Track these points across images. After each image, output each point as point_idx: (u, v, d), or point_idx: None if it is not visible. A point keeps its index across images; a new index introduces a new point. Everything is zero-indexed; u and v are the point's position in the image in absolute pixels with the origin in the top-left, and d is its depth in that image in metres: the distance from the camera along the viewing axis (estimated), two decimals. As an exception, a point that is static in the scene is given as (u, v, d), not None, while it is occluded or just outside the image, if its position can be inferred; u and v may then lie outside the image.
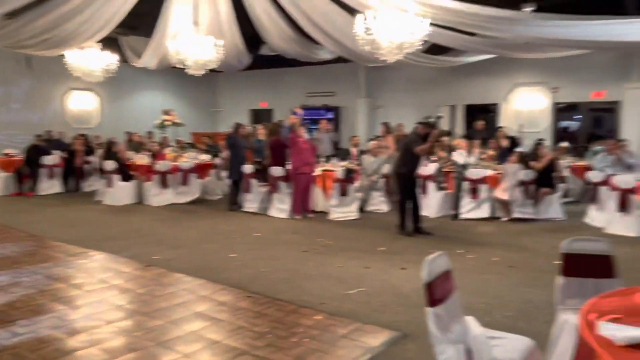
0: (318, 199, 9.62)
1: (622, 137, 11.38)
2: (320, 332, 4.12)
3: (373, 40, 7.25)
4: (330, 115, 16.21)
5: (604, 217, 8.22)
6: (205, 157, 12.02)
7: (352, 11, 8.34)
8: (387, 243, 7.24)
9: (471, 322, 2.68)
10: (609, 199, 8.09)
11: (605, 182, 8.40)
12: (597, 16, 7.64)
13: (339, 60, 12.46)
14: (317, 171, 9.49)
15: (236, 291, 5.13)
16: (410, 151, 7.58)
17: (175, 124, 13.61)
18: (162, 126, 13.55)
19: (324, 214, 9.32)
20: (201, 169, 11.38)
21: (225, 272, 5.81)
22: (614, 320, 2.13)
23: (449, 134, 10.28)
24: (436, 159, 9.57)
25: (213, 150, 12.84)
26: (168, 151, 11.95)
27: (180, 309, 4.64)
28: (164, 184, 10.64)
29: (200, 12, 9.99)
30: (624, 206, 7.72)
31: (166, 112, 13.58)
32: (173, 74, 15.74)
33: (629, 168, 9.16)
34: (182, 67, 10.30)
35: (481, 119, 12.12)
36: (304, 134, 9.30)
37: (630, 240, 7.12)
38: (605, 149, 10.01)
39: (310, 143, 9.44)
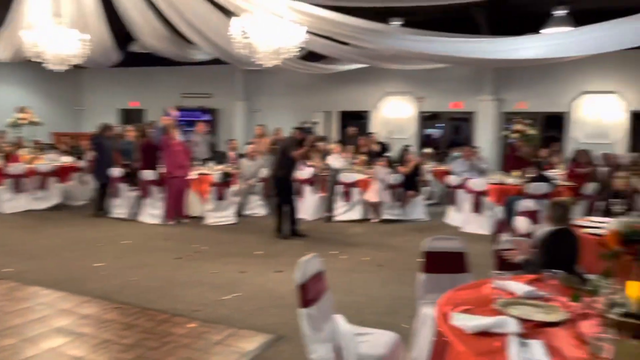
0: (193, 203, 9.35)
1: (476, 145, 12.59)
2: (194, 340, 4.01)
3: (250, 44, 7.24)
4: (206, 118, 15.86)
5: (461, 217, 9.01)
6: (67, 159, 11.10)
7: (228, 13, 8.26)
8: (264, 247, 7.26)
9: (340, 320, 2.79)
10: (465, 200, 8.89)
11: (462, 186, 9.21)
12: (455, 34, 8.37)
13: (216, 61, 12.23)
14: (193, 175, 9.23)
15: (102, 302, 4.81)
16: (287, 155, 7.70)
17: (31, 122, 12.39)
18: (15, 125, 12.26)
19: (199, 219, 9.09)
20: (62, 172, 10.48)
21: (89, 282, 5.41)
22: (466, 311, 2.35)
23: (323, 139, 10.61)
24: (312, 163, 9.81)
25: (76, 152, 11.91)
26: (23, 152, 10.84)
27: (37, 324, 4.24)
28: (17, 188, 9.64)
29: (62, 3, 9.21)
30: (477, 207, 8.54)
31: (21, 110, 12.32)
32: (31, 68, 14.28)
33: (481, 172, 10.15)
34: (40, 61, 9.40)
35: (354, 126, 12.68)
36: (177, 136, 9.00)
37: (482, 237, 7.86)
38: (462, 155, 10.97)
39: (184, 145, 9.15)
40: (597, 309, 2.28)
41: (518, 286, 2.67)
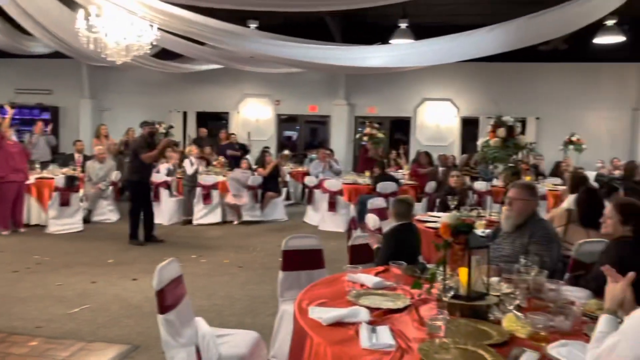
0: (33, 210, 8.48)
1: (331, 147, 13.20)
2: (37, 358, 3.67)
3: (97, 39, 6.77)
4: (46, 116, 14.46)
5: (318, 216, 9.37)
6: None
7: (72, 5, 7.63)
8: (117, 254, 6.85)
9: (200, 322, 2.77)
10: (322, 200, 9.28)
11: (318, 186, 9.59)
12: (310, 40, 8.69)
13: (57, 55, 11.18)
14: (31, 179, 8.37)
15: None
16: (139, 157, 7.36)
17: None
18: None
19: (40, 227, 8.27)
20: None
21: None
22: (322, 305, 2.48)
23: (176, 144, 10.30)
24: (168, 165, 9.48)
25: None
26: None
27: None
28: None
29: None
30: (333, 206, 8.96)
31: None
32: None
33: (336, 174, 10.66)
34: None
35: (212, 127, 12.56)
36: (11, 136, 8.11)
37: (338, 235, 8.28)
38: (318, 156, 11.41)
39: (20, 147, 8.27)
40: (433, 294, 2.57)
41: (368, 278, 2.89)
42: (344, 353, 2.01)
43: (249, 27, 10.86)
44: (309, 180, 10.03)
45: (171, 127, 11.27)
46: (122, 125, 12.10)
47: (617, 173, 9.97)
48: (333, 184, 9.13)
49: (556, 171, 10.62)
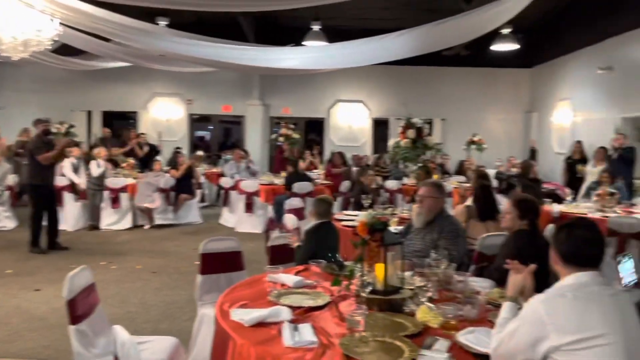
0: None
1: (246, 147, 13.10)
2: None
3: (-10, 32, 6.24)
4: None
5: (234, 218, 9.28)
6: None
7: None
8: (16, 264, 6.36)
9: (119, 330, 2.67)
10: (238, 201, 9.19)
11: (234, 187, 9.49)
12: (222, 40, 8.58)
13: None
14: None
15: None
16: (36, 159, 6.89)
17: None
18: None
19: None
20: None
21: None
22: (243, 306, 2.49)
23: (77, 144, 9.73)
24: (72, 160, 8.91)
25: None
26: None
27: None
28: None
29: None
30: (249, 207, 8.91)
31: None
32: None
33: (252, 174, 10.61)
34: None
35: (120, 127, 12.01)
36: None
37: (256, 236, 8.24)
38: (233, 157, 11.29)
39: None
40: (352, 290, 2.67)
41: (289, 278, 2.93)
42: (267, 352, 2.04)
43: (157, 24, 10.51)
44: (225, 182, 9.89)
45: (72, 126, 10.65)
46: (18, 125, 11.23)
47: (514, 171, 10.79)
48: (249, 184, 9.08)
49: (460, 170, 11.28)
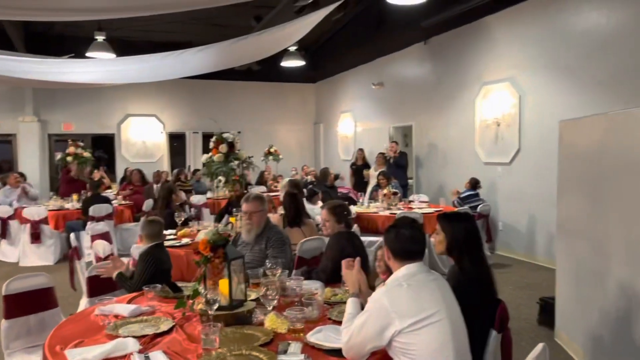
0: None
1: (21, 170, 11.52)
2: None
3: None
4: None
5: (17, 251, 8.11)
6: None
7: None
8: None
9: None
10: (20, 232, 8.06)
11: (14, 216, 8.29)
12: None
13: None
14: None
15: None
16: None
17: None
18: None
19: None
20: None
21: None
22: (79, 345, 2.27)
23: None
24: None
25: None
26: None
27: None
28: None
29: None
30: (36, 237, 7.88)
31: None
32: None
33: (32, 199, 9.37)
34: None
35: None
36: None
37: (48, 268, 7.32)
38: (8, 182, 9.81)
39: None
40: (196, 310, 2.63)
41: (122, 307, 2.75)
42: (124, 389, 1.92)
43: None
44: (2, 211, 8.55)
45: None
46: None
47: (308, 178, 11.61)
48: (34, 211, 8.02)
49: (261, 180, 11.67)
